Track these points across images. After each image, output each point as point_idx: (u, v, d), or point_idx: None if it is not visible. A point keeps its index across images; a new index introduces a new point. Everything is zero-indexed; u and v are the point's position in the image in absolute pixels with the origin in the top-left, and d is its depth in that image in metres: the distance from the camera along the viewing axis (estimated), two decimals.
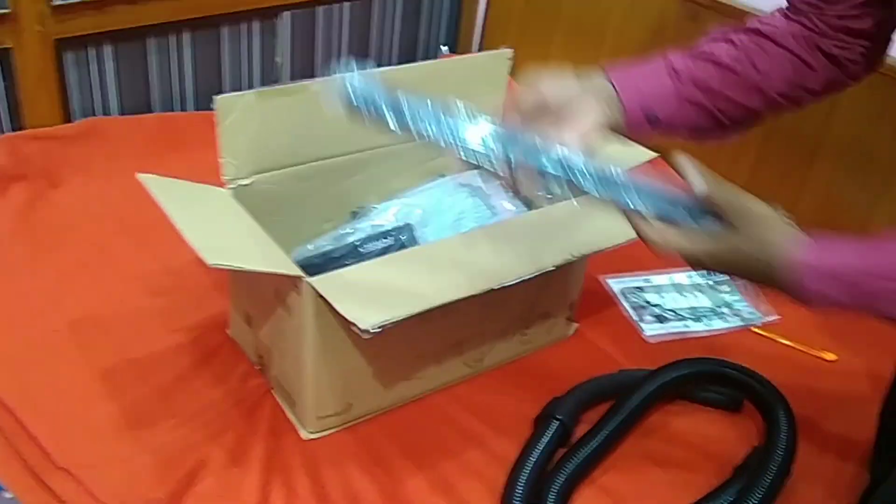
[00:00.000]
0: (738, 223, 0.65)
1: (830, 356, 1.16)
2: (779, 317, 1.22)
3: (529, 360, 1.10)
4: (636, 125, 0.79)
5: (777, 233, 0.64)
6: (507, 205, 1.12)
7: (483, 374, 1.06)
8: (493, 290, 0.85)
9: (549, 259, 0.89)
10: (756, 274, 0.66)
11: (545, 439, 0.92)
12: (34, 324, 1.05)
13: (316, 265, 0.99)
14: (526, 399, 1.01)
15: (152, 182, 0.85)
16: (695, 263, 0.67)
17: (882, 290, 0.60)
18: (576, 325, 1.16)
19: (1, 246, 1.19)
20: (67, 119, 1.47)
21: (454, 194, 1.13)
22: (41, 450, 0.88)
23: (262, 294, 0.95)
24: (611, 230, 0.93)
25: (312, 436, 0.94)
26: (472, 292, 0.82)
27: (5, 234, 1.21)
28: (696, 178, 0.66)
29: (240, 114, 0.93)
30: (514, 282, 0.86)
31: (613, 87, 0.78)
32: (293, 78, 1.73)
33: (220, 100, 0.92)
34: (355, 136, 1.08)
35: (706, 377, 1.03)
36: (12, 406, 0.92)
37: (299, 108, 1.00)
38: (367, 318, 0.76)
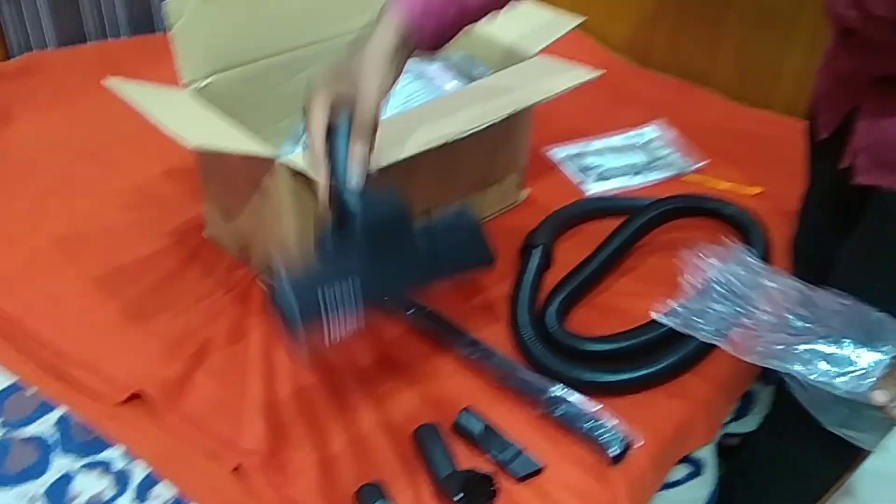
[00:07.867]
0: None
1: (756, 189, 1.28)
2: (708, 160, 1.34)
3: (489, 225, 1.19)
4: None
5: None
6: (450, 85, 1.19)
7: None
8: (447, 156, 0.93)
9: (501, 111, 0.97)
10: None
11: (534, 264, 1.05)
12: (19, 246, 1.10)
13: None
14: None
15: (120, 85, 0.90)
16: None
17: None
18: (527, 190, 1.25)
19: None
20: (7, 56, 1.47)
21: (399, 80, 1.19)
22: (56, 350, 0.94)
23: (236, 185, 1.01)
24: (548, 87, 1.02)
25: None
26: (437, 143, 0.90)
27: None
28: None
29: (190, 15, 0.97)
30: (475, 129, 0.93)
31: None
32: None
33: (169, 4, 0.96)
34: (297, 33, 1.13)
35: (687, 209, 1.15)
36: (18, 317, 0.98)
37: (243, 8, 1.04)
38: None
